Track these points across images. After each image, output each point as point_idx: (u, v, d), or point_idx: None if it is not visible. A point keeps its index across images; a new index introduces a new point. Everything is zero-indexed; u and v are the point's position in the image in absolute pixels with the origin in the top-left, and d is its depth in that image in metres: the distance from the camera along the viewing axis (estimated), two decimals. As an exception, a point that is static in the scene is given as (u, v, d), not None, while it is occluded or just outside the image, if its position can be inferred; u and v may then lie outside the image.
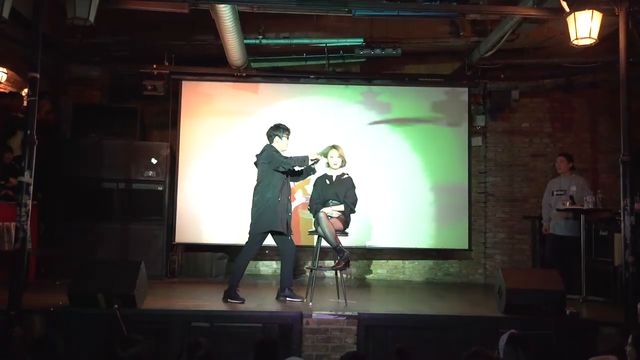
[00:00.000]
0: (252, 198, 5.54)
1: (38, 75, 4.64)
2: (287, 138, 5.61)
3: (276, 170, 5.42)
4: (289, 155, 5.50)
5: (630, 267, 4.72)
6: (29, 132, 4.55)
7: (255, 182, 5.57)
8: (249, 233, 5.50)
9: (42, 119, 6.47)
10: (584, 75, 7.72)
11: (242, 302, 5.25)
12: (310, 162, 5.55)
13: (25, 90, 5.40)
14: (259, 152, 5.61)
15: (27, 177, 4.51)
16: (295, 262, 6.22)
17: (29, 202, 4.52)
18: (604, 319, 4.94)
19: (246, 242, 5.53)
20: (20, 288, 4.44)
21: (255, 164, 5.61)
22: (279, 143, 5.58)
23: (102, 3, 5.00)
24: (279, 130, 5.59)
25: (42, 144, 5.01)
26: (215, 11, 5.57)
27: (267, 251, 7.55)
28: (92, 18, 4.94)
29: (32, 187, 4.56)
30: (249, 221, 5.53)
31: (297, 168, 5.63)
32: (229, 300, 5.28)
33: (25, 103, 4.89)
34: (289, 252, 5.60)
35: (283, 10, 6.00)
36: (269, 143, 5.61)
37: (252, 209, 5.51)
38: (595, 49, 5.68)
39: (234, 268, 5.60)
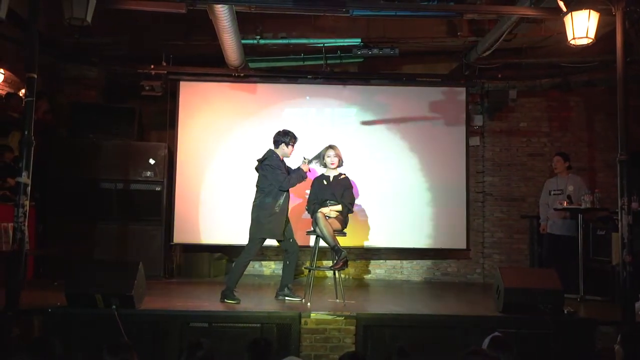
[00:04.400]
0: (252, 201, 5.54)
1: (35, 76, 4.63)
2: (293, 146, 5.62)
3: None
4: (281, 169, 5.49)
5: (627, 267, 4.73)
6: (26, 132, 4.55)
7: (256, 185, 5.58)
8: (249, 236, 5.50)
9: (40, 119, 6.47)
10: (581, 75, 7.73)
11: (238, 303, 5.25)
12: (305, 173, 5.55)
13: (23, 90, 5.39)
14: (260, 156, 5.60)
15: (25, 178, 4.50)
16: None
17: (27, 203, 4.51)
18: (601, 317, 4.95)
19: (246, 245, 5.53)
20: (17, 289, 4.43)
21: (256, 168, 5.61)
22: (283, 149, 5.58)
23: (99, 3, 4.99)
24: (286, 137, 5.58)
25: (40, 144, 5.00)
26: (212, 11, 5.56)
27: (265, 252, 7.57)
28: (89, 18, 4.93)
29: (29, 188, 4.55)
30: (248, 222, 5.53)
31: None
32: (225, 300, 5.29)
33: (23, 103, 4.89)
34: (292, 252, 5.61)
35: (280, 11, 5.99)
36: (273, 148, 5.61)
37: (252, 213, 5.51)
38: (592, 48, 5.68)
39: (233, 269, 5.59)
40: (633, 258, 4.73)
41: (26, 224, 4.53)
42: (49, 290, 5.61)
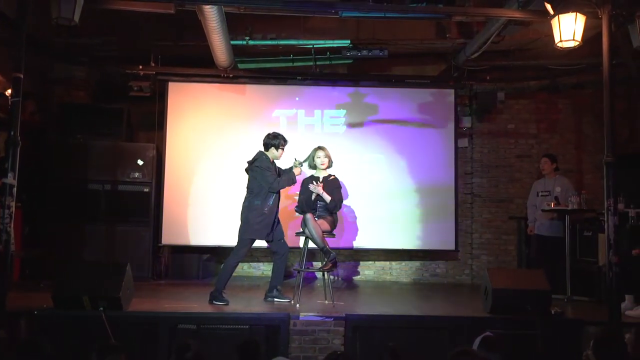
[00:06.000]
0: (242, 203, 5.53)
1: (22, 76, 4.59)
2: (283, 149, 5.62)
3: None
4: (271, 171, 5.50)
5: (613, 267, 4.76)
6: (12, 133, 4.51)
7: (246, 187, 5.56)
8: (238, 237, 5.49)
9: (27, 120, 6.40)
10: (569, 77, 7.77)
11: (227, 304, 5.24)
12: (295, 177, 5.57)
13: (9, 90, 5.34)
14: (249, 158, 5.59)
15: (11, 179, 4.46)
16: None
17: (13, 204, 4.47)
18: (588, 318, 4.99)
19: (235, 246, 5.51)
20: (3, 290, 4.39)
21: (246, 170, 5.60)
22: (273, 152, 5.58)
23: (87, 3, 4.95)
24: (276, 140, 5.58)
25: (27, 145, 4.96)
26: (201, 12, 5.55)
27: (254, 254, 7.55)
28: (76, 18, 4.89)
29: (15, 189, 4.51)
30: (238, 224, 5.51)
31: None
32: (214, 302, 5.27)
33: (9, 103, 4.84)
34: (281, 253, 5.61)
35: (270, 12, 6.00)
36: (263, 150, 5.60)
37: (241, 214, 5.51)
38: (580, 50, 5.73)
39: (222, 271, 5.58)
40: (619, 259, 4.77)
41: (12, 225, 4.49)
42: (35, 291, 5.57)
